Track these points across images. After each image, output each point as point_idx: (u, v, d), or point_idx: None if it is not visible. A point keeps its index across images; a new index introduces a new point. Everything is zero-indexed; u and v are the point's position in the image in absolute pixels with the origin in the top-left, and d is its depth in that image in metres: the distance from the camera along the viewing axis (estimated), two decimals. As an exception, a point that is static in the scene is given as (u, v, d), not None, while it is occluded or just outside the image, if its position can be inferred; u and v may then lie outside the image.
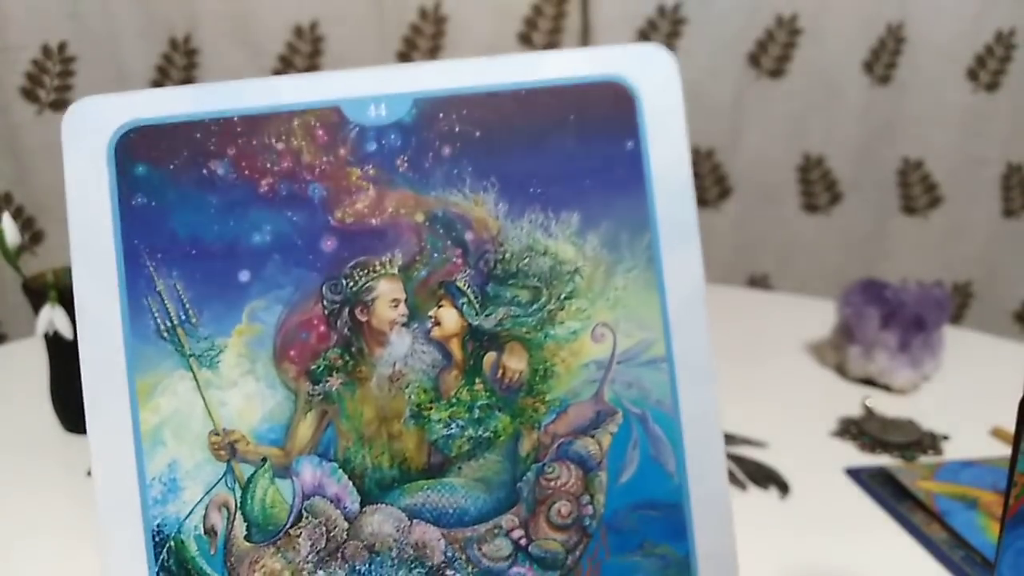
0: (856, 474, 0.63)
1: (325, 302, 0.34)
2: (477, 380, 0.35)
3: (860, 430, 0.70)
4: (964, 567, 0.51)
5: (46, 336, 0.67)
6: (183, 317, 0.34)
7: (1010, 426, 0.66)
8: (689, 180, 0.36)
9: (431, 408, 0.35)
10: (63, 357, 0.69)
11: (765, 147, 1.41)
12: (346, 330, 0.34)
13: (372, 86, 0.35)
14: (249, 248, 0.34)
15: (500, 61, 0.35)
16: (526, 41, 1.33)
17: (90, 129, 0.34)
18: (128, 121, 0.34)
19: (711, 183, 1.44)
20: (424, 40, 1.30)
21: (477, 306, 0.35)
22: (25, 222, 1.22)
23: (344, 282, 0.34)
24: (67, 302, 0.66)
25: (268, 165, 0.34)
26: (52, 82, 1.18)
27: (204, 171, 0.34)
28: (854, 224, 1.45)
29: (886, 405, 0.75)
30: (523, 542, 0.35)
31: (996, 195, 1.43)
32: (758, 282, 1.51)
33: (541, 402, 0.35)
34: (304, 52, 1.27)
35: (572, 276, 0.35)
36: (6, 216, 0.65)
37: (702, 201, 1.46)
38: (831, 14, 1.33)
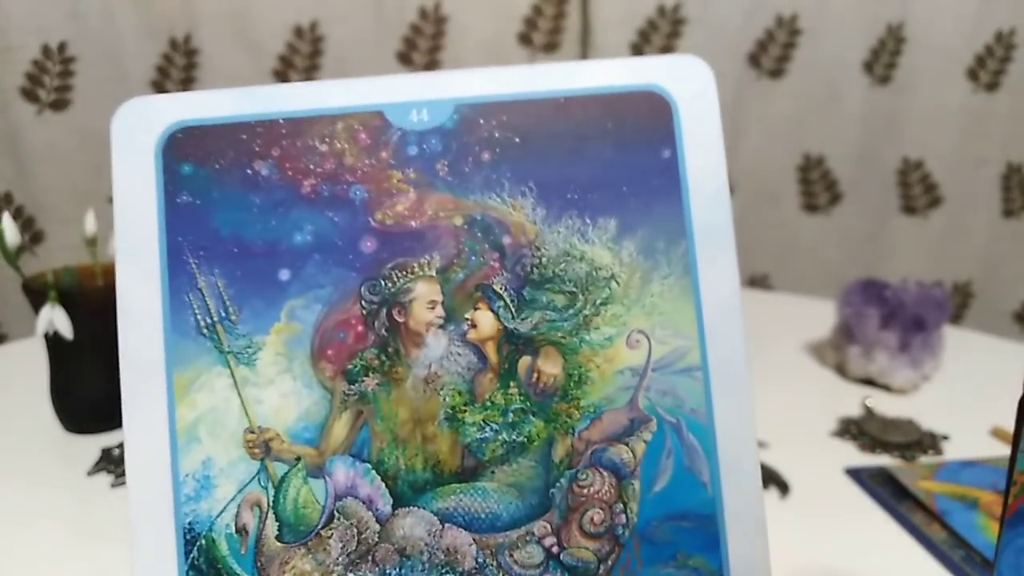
0: (856, 474, 0.62)
1: (363, 302, 0.34)
2: (512, 384, 0.35)
3: (860, 430, 0.70)
4: (964, 567, 0.50)
5: (46, 336, 0.67)
6: (223, 314, 0.34)
7: (1010, 426, 0.65)
8: (725, 189, 0.36)
9: (465, 411, 0.35)
10: (63, 357, 0.69)
11: (765, 147, 1.41)
12: (383, 331, 0.35)
13: (415, 91, 0.36)
14: (290, 247, 0.34)
15: (540, 69, 0.36)
16: (526, 41, 1.33)
17: (139, 128, 0.35)
18: (176, 121, 0.35)
19: None
20: (424, 40, 1.30)
21: (513, 310, 0.35)
22: (25, 222, 1.23)
23: (383, 283, 0.35)
24: (67, 302, 0.66)
25: (311, 166, 0.35)
26: (52, 82, 1.19)
27: (248, 171, 0.35)
28: (854, 224, 1.45)
29: (886, 405, 0.75)
30: (555, 550, 0.34)
31: (996, 195, 1.43)
32: (758, 282, 1.51)
33: (575, 408, 0.35)
34: (304, 52, 1.28)
35: (608, 282, 0.35)
36: (6, 216, 0.65)
37: None
38: (831, 14, 1.34)
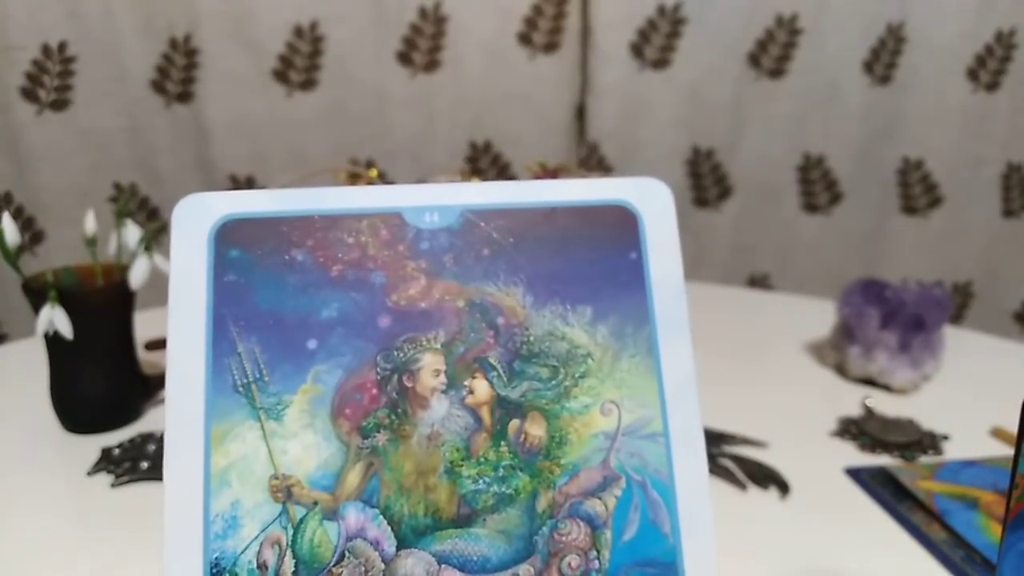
0: (856, 474, 0.63)
1: (378, 369, 0.41)
2: (502, 443, 0.41)
3: (860, 430, 0.70)
4: (964, 567, 0.51)
5: (46, 336, 0.68)
6: (257, 375, 0.40)
7: (1010, 426, 0.70)
8: (681, 285, 0.44)
9: (462, 465, 0.40)
10: (63, 357, 0.69)
11: (765, 147, 1.41)
12: (394, 394, 0.40)
13: (428, 198, 0.43)
14: (318, 321, 0.41)
15: (530, 185, 0.44)
16: (526, 41, 1.33)
17: (195, 219, 0.41)
18: (227, 214, 0.42)
19: (711, 183, 1.43)
20: (424, 40, 1.32)
21: (505, 379, 0.41)
22: (25, 222, 1.22)
23: (395, 353, 0.41)
24: (67, 302, 0.67)
25: (339, 255, 0.42)
26: (52, 82, 1.19)
27: (286, 257, 0.41)
28: (854, 224, 1.44)
29: (886, 405, 0.75)
30: (537, 591, 0.39)
31: (996, 195, 1.43)
32: (758, 282, 1.50)
33: (557, 465, 0.41)
34: (304, 52, 1.28)
35: (585, 359, 0.42)
36: (6, 216, 0.66)
37: (702, 201, 1.45)
38: (831, 14, 1.34)
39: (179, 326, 0.40)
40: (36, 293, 0.68)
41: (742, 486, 0.62)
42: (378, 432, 0.40)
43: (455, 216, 0.43)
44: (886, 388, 0.80)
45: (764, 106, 1.40)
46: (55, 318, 0.66)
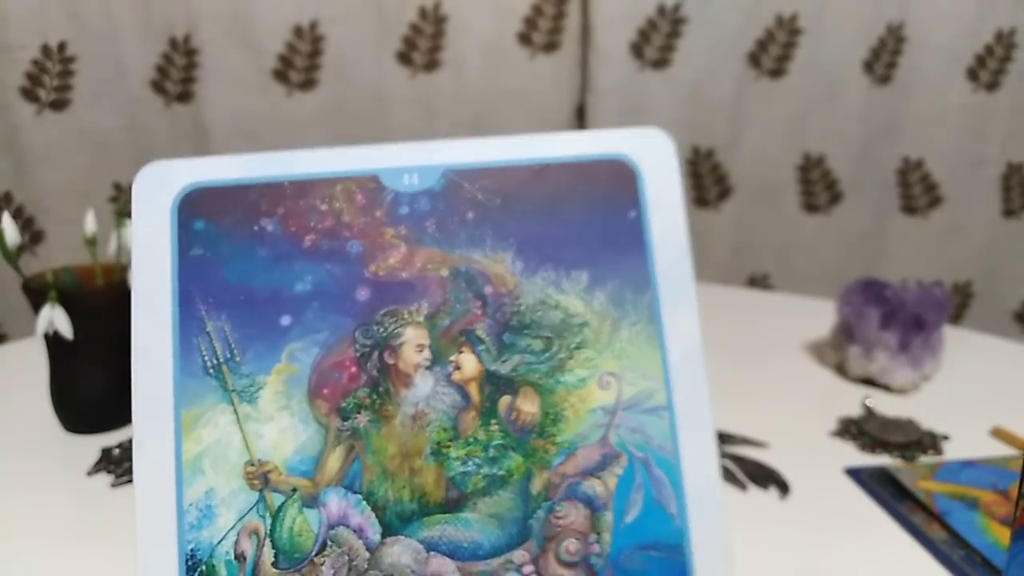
0: (856, 474, 0.62)
1: (357, 345, 0.38)
2: (493, 421, 0.38)
3: (860, 430, 0.69)
4: (964, 567, 0.50)
5: (46, 336, 0.67)
6: (228, 356, 0.37)
7: (1010, 426, 0.68)
8: (686, 246, 0.40)
9: (450, 446, 0.37)
10: (63, 357, 0.69)
11: (765, 147, 1.40)
12: (375, 372, 0.38)
13: (407, 158, 0.40)
14: (291, 296, 0.38)
15: (518, 140, 0.40)
16: (526, 41, 1.33)
17: (158, 188, 0.38)
18: (191, 183, 0.39)
19: (711, 183, 1.43)
20: (424, 40, 1.30)
21: (494, 353, 0.38)
22: (25, 222, 1.22)
23: (375, 328, 0.38)
24: (67, 302, 0.66)
25: (312, 224, 0.39)
26: (52, 82, 1.18)
27: (255, 227, 0.38)
28: (854, 224, 1.43)
29: (886, 405, 0.74)
30: (533, 577, 0.37)
31: (996, 195, 1.41)
32: (758, 282, 1.49)
33: (552, 444, 0.38)
34: (304, 52, 1.28)
35: (581, 328, 0.39)
36: (6, 216, 0.66)
37: (702, 201, 1.45)
38: (831, 14, 1.33)
39: (143, 305, 0.37)
40: (36, 293, 0.67)
41: (742, 486, 0.61)
42: (359, 413, 0.37)
43: (436, 177, 0.40)
44: (886, 388, 0.79)
45: (764, 106, 1.39)
46: (55, 318, 0.66)
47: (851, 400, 0.77)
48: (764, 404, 0.75)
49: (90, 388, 0.71)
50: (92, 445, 0.69)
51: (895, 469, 0.62)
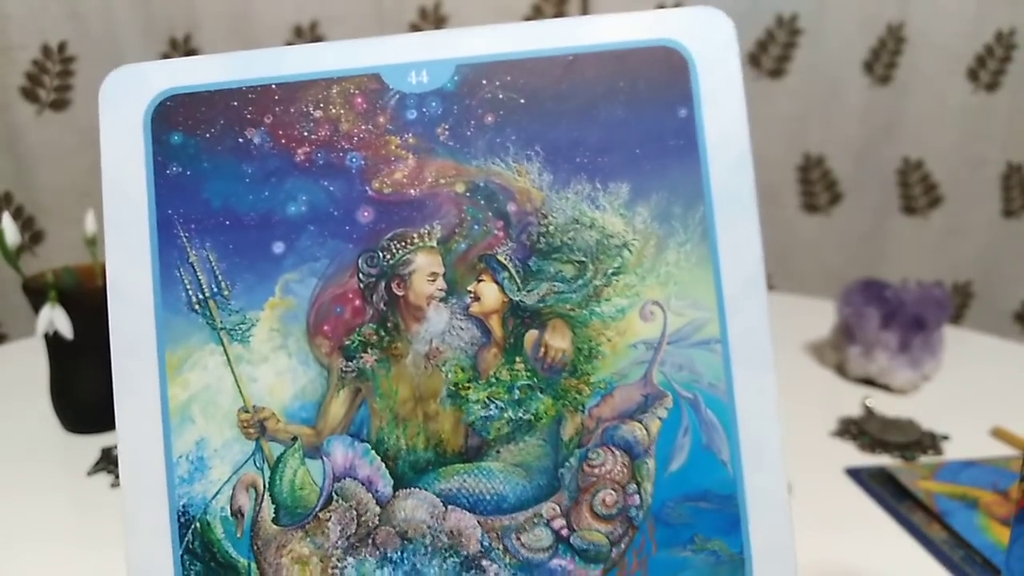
0: (856, 474, 0.62)
1: (361, 275, 0.33)
2: (518, 359, 0.33)
3: (860, 430, 0.69)
4: (964, 567, 0.50)
5: (46, 336, 0.67)
6: (215, 289, 0.33)
7: (1010, 426, 0.66)
8: (747, 151, 0.34)
9: (469, 388, 0.33)
10: (63, 357, 0.69)
11: (765, 147, 1.39)
12: (382, 304, 0.33)
13: (413, 52, 0.34)
14: (284, 219, 0.33)
15: (547, 25, 0.34)
16: None
17: (127, 97, 0.33)
18: (165, 89, 0.33)
19: None
20: None
21: (519, 281, 0.33)
22: (25, 222, 1.23)
23: (381, 255, 0.33)
24: (67, 302, 0.66)
25: (305, 134, 0.33)
26: (52, 82, 1.19)
27: (240, 139, 0.33)
28: (854, 224, 1.45)
29: (886, 405, 0.74)
30: (564, 532, 0.33)
31: (996, 195, 1.42)
32: None
33: (585, 384, 0.33)
34: None
35: (620, 250, 0.33)
36: (6, 216, 0.65)
37: None
38: (831, 14, 1.34)
39: (116, 234, 0.33)
40: (36, 293, 0.66)
41: None
42: (365, 352, 0.33)
43: (449, 74, 0.34)
44: (886, 388, 0.78)
45: (764, 106, 1.38)
46: (55, 318, 0.65)
47: (851, 400, 0.76)
48: None
49: (90, 388, 0.69)
50: (92, 445, 0.68)
51: (895, 469, 0.61)
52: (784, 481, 0.33)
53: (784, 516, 0.33)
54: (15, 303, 1.18)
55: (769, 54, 1.37)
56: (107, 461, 0.64)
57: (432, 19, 1.29)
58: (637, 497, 0.33)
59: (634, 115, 0.33)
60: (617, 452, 0.33)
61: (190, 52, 1.24)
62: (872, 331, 0.78)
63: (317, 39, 1.27)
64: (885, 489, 0.59)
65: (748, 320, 0.33)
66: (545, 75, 0.34)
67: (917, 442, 0.67)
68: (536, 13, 1.30)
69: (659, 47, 0.34)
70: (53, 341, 0.68)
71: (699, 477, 0.33)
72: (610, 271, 0.33)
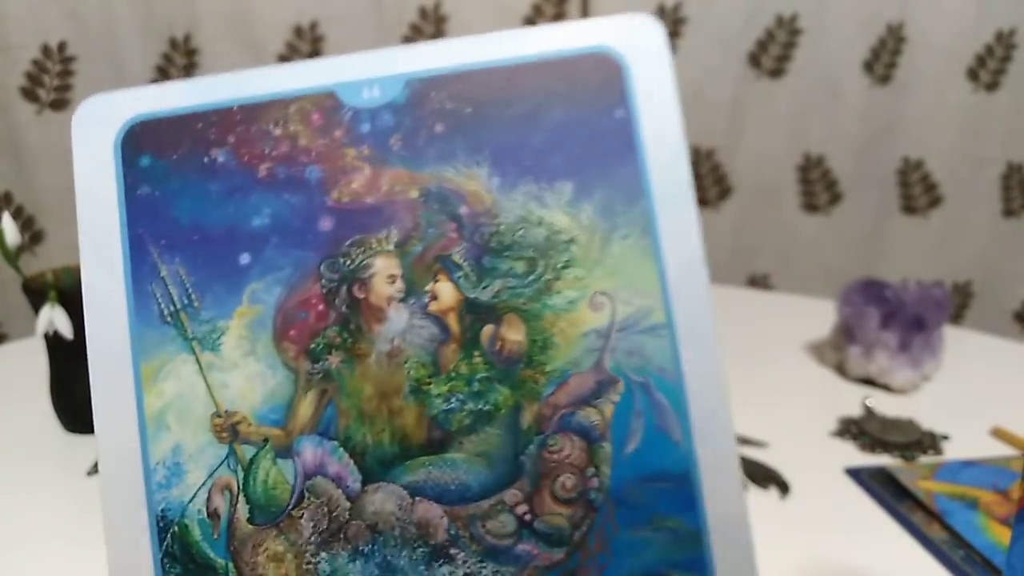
0: (856, 474, 0.62)
1: (323, 281, 0.35)
2: (475, 353, 0.35)
3: (860, 430, 0.69)
4: (964, 567, 0.50)
5: (46, 336, 0.67)
6: (186, 301, 0.34)
7: (1010, 426, 0.67)
8: (682, 147, 0.36)
9: (430, 383, 0.34)
10: (63, 357, 0.69)
11: (765, 147, 1.41)
12: (344, 308, 0.35)
13: (365, 69, 0.36)
14: (249, 231, 0.35)
15: (488, 39, 0.36)
16: None
17: (98, 124, 0.35)
18: (133, 116, 0.35)
19: (711, 183, 1.44)
20: (424, 40, 1.30)
21: (473, 279, 0.35)
22: (25, 222, 1.23)
23: (341, 260, 0.35)
24: (67, 302, 0.66)
25: (266, 151, 0.35)
26: (52, 82, 1.19)
27: (205, 159, 0.35)
28: (854, 224, 1.45)
29: (886, 405, 0.74)
30: (527, 518, 0.34)
31: (996, 195, 1.42)
32: (758, 282, 1.50)
33: (541, 373, 0.34)
34: (304, 52, 1.28)
35: (568, 246, 0.35)
36: (6, 216, 0.66)
37: (702, 201, 1.46)
38: (831, 14, 1.33)
39: (91, 253, 0.35)
40: (36, 293, 0.67)
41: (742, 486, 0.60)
42: (330, 354, 0.34)
43: (399, 88, 0.36)
44: (886, 388, 0.79)
45: (764, 106, 1.39)
46: (55, 318, 0.66)
47: (851, 400, 0.76)
48: (764, 404, 0.74)
49: (90, 388, 0.69)
50: (92, 445, 0.67)
51: (895, 469, 0.62)
52: (736, 458, 0.34)
53: (738, 491, 0.34)
54: (15, 303, 1.18)
55: (769, 54, 1.37)
56: (107, 460, 0.65)
57: (432, 19, 1.30)
58: (595, 480, 0.34)
59: (574, 118, 0.36)
60: (575, 437, 0.34)
61: (190, 52, 1.25)
62: (872, 331, 0.78)
63: (317, 39, 1.27)
64: (885, 489, 0.59)
65: (691, 305, 0.35)
66: (489, 85, 0.36)
67: (917, 442, 0.67)
68: (536, 13, 1.31)
69: (595, 54, 0.36)
70: (53, 341, 0.68)
71: (654, 458, 0.34)
72: (559, 265, 0.35)
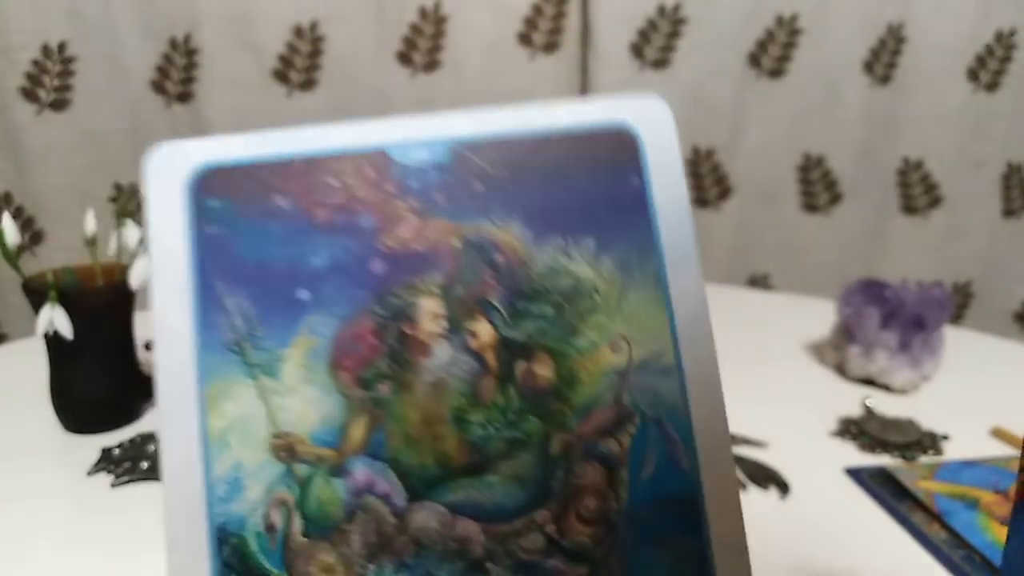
0: (856, 474, 0.62)
1: (375, 317, 0.38)
2: (510, 386, 0.39)
3: (860, 430, 0.69)
4: (964, 567, 0.50)
5: (46, 336, 0.67)
6: (248, 331, 0.38)
7: (1010, 426, 0.69)
8: (687, 211, 0.41)
9: (470, 412, 0.38)
10: (63, 357, 0.69)
11: (765, 147, 1.40)
12: (393, 342, 0.38)
13: (415, 133, 0.40)
14: (307, 270, 0.38)
15: (522, 111, 0.41)
16: (526, 41, 1.33)
17: (171, 169, 0.39)
18: (204, 163, 0.39)
19: (711, 183, 1.43)
20: (424, 40, 1.31)
21: (508, 320, 0.39)
22: (25, 222, 1.22)
23: (391, 299, 0.39)
24: (67, 302, 0.66)
25: (324, 199, 0.39)
26: (52, 82, 1.19)
27: (268, 204, 0.39)
28: (854, 224, 1.44)
29: (886, 405, 0.75)
30: (556, 536, 0.38)
31: (996, 195, 1.43)
32: (758, 282, 1.50)
33: (568, 406, 0.39)
34: (304, 52, 1.28)
35: (591, 294, 0.40)
36: (6, 216, 0.66)
37: (702, 201, 1.45)
38: (831, 14, 1.34)
39: (162, 284, 0.38)
40: (36, 293, 0.67)
41: (742, 486, 0.61)
42: (380, 383, 0.38)
43: (444, 151, 0.41)
44: (886, 388, 0.79)
45: (764, 106, 1.38)
46: (55, 318, 0.66)
47: (851, 400, 0.77)
48: (764, 404, 0.75)
49: (90, 388, 0.70)
50: (92, 445, 0.69)
51: (895, 469, 0.62)
52: (736, 484, 0.39)
53: (738, 515, 0.39)
54: (15, 303, 1.15)
55: (769, 54, 1.36)
56: (107, 461, 0.65)
57: (432, 19, 1.29)
58: (614, 503, 0.38)
59: (595, 184, 0.41)
60: (597, 464, 0.39)
61: (190, 52, 1.23)
62: (872, 331, 0.78)
63: (317, 39, 1.27)
64: (885, 489, 0.59)
65: (697, 350, 0.40)
66: (523, 152, 0.41)
67: (917, 442, 0.67)
68: (536, 12, 1.31)
69: (613, 129, 0.42)
70: (53, 341, 0.68)
71: (665, 484, 0.39)
72: (584, 311, 0.40)
